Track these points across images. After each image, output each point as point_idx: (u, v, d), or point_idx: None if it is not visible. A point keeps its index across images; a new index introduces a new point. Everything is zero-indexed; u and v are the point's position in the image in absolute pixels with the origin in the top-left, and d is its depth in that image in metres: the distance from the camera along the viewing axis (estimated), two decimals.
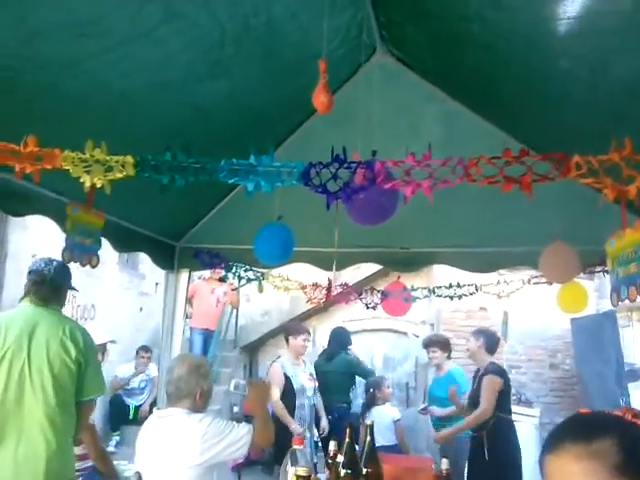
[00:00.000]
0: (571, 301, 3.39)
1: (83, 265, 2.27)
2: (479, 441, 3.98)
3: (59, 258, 2.68)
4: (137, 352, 7.07)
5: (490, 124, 2.85)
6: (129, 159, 1.95)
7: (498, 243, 3.82)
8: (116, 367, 6.92)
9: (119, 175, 1.95)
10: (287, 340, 4.89)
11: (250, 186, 1.79)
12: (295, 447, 1.99)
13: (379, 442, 4.80)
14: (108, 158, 1.97)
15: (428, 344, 5.09)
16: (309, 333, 4.98)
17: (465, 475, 4.17)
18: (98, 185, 1.96)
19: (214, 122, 2.61)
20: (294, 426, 4.48)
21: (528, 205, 3.30)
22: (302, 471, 1.31)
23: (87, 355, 2.74)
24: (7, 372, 2.52)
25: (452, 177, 1.64)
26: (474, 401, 4.10)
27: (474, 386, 4.19)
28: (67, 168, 2.00)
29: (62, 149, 2.01)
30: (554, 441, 1.00)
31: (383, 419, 5.14)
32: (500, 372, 4.10)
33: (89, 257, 2.31)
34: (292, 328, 5.00)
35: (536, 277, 4.06)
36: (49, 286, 2.77)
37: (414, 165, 1.65)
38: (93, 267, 2.32)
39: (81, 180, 1.98)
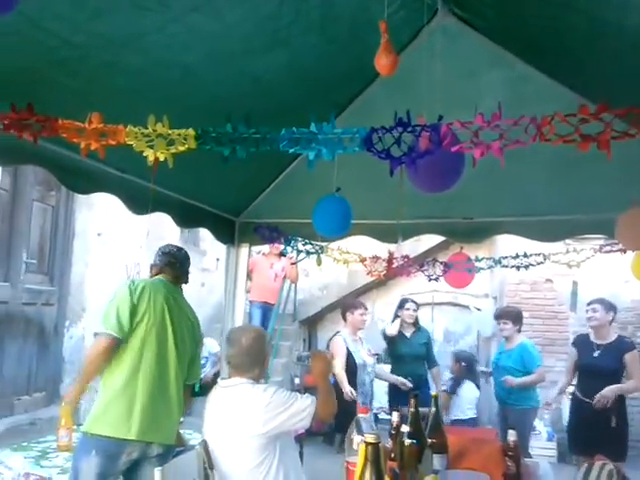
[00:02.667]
0: None
1: None
2: (603, 410, 3.99)
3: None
4: None
5: (561, 86, 2.71)
6: (190, 132, 1.95)
7: (567, 210, 3.65)
8: None
9: (181, 148, 1.96)
10: (344, 317, 4.88)
11: (311, 155, 1.76)
12: (360, 416, 1.98)
13: (459, 416, 4.79)
14: (170, 132, 1.97)
15: (500, 315, 5.05)
16: (366, 307, 4.96)
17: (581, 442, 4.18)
18: (161, 159, 1.97)
19: (274, 92, 2.59)
20: (347, 389, 4.50)
21: (599, 170, 3.18)
22: (371, 438, 1.29)
23: (200, 340, 3.10)
24: (152, 327, 2.77)
25: (524, 137, 1.56)
26: (615, 377, 4.11)
27: (600, 356, 4.15)
28: (131, 143, 2.02)
29: (125, 125, 2.03)
30: None
31: (469, 394, 5.08)
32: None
33: None
34: (349, 304, 4.99)
35: (608, 245, 3.89)
36: (180, 268, 3.11)
37: (483, 126, 1.58)
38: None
39: (144, 154, 2.00)
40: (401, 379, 4.74)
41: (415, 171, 1.78)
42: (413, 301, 5.49)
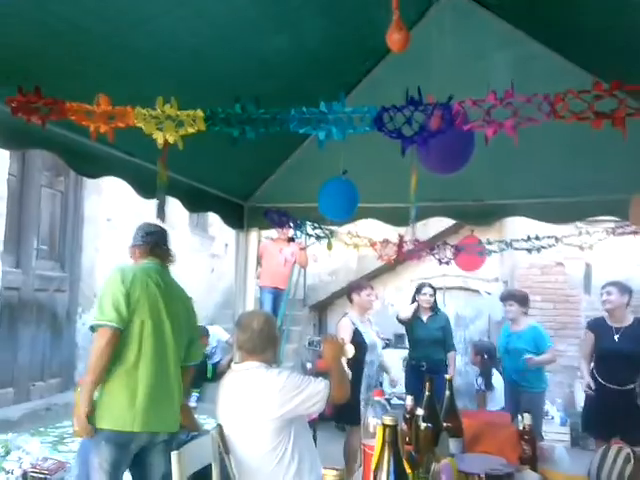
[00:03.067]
0: None
1: (162, 220, 2.36)
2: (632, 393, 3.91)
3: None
4: None
5: (574, 65, 2.66)
6: (199, 113, 1.93)
7: (579, 192, 3.61)
8: None
9: (190, 130, 1.94)
10: (350, 299, 4.85)
11: (321, 135, 1.74)
12: (376, 398, 1.98)
13: (494, 408, 4.77)
14: (179, 113, 1.96)
15: (506, 298, 5.03)
16: (372, 288, 4.93)
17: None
18: (170, 141, 1.96)
19: (282, 74, 2.57)
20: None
21: (611, 151, 3.14)
22: (389, 420, 1.28)
23: (196, 322, 3.04)
24: (148, 317, 2.69)
25: (537, 115, 1.53)
26: (635, 360, 4.00)
27: (621, 340, 4.12)
28: (139, 125, 2.01)
29: (133, 107, 2.01)
30: None
31: (499, 384, 5.05)
32: None
33: (163, 211, 2.38)
34: (354, 285, 4.95)
35: (621, 227, 3.85)
36: (166, 248, 2.97)
37: (495, 104, 1.55)
38: (163, 221, 2.43)
39: (154, 137, 1.99)
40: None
41: (426, 151, 1.75)
42: (430, 286, 5.50)
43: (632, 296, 4.19)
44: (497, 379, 4.95)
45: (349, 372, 4.43)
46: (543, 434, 5.01)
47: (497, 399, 4.86)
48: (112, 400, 2.61)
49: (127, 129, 2.02)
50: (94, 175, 3.10)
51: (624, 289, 4.19)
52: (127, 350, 2.64)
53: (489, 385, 4.83)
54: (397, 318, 5.68)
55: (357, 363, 4.48)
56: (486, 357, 4.91)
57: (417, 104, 1.63)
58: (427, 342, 5.27)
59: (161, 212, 2.31)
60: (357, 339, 4.55)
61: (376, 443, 1.55)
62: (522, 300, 4.94)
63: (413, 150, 1.97)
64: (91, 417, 2.59)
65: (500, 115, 1.64)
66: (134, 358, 2.64)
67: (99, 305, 2.67)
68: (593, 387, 4.12)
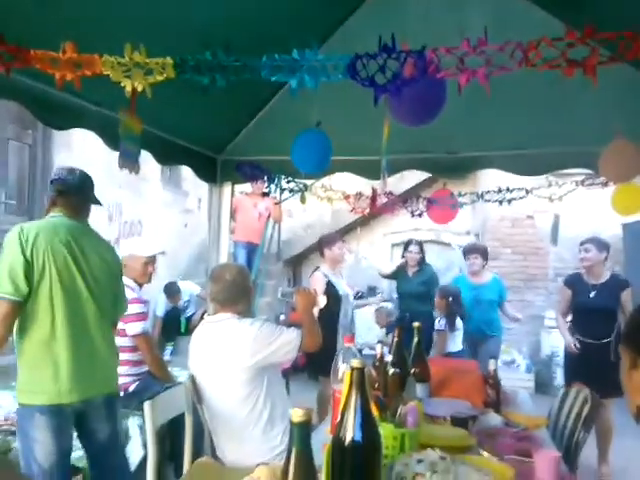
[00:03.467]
0: (627, 202, 3.25)
1: (130, 172, 2.25)
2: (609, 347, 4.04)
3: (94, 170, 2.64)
4: (167, 295, 7.03)
5: (548, 14, 2.65)
6: (169, 60, 1.89)
7: (551, 144, 3.65)
8: (163, 282, 7.06)
9: (159, 78, 1.91)
10: (322, 253, 4.88)
11: (294, 83, 1.72)
12: (346, 345, 2.02)
13: (452, 349, 4.90)
14: (148, 61, 1.91)
15: (470, 251, 5.15)
16: (343, 241, 4.98)
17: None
18: (139, 89, 1.92)
19: (254, 22, 2.51)
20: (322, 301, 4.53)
21: (582, 103, 3.16)
22: (356, 363, 1.31)
23: (119, 273, 2.74)
24: (56, 281, 2.41)
25: (509, 63, 1.53)
26: (611, 315, 4.12)
27: (597, 296, 4.18)
28: (107, 73, 1.96)
29: (101, 54, 1.96)
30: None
31: (459, 327, 5.18)
32: None
33: (133, 163, 2.27)
34: (325, 239, 4.96)
35: (590, 178, 3.92)
36: (77, 196, 2.58)
37: (469, 51, 1.54)
38: (136, 174, 2.28)
39: (122, 84, 1.94)
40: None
41: (399, 100, 1.75)
42: (417, 242, 5.63)
43: (609, 252, 4.24)
44: (459, 324, 5.11)
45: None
46: (508, 380, 5.17)
47: (455, 342, 5.02)
48: (34, 375, 2.41)
49: (95, 78, 1.97)
50: (61, 126, 3.03)
51: (602, 245, 4.22)
52: (39, 320, 2.39)
53: (452, 327, 4.97)
54: (379, 273, 5.92)
55: (332, 314, 4.55)
56: (451, 300, 5.04)
57: (390, 52, 1.62)
58: (412, 295, 5.48)
59: (127, 162, 2.17)
60: (330, 291, 4.60)
61: (344, 387, 1.60)
62: (484, 253, 5.10)
63: (385, 101, 1.96)
64: (18, 394, 2.44)
65: (474, 64, 1.63)
66: (49, 327, 2.39)
67: None
68: (578, 345, 4.23)
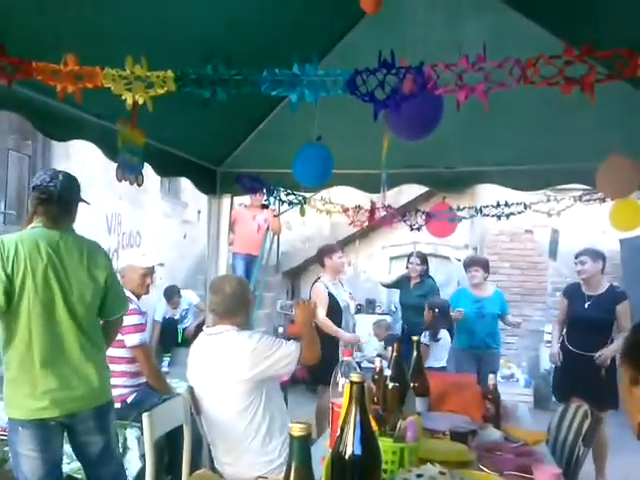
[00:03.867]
0: (625, 218, 3.27)
1: (131, 183, 2.24)
2: (598, 362, 4.03)
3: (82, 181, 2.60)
4: (167, 297, 7.08)
5: (546, 32, 2.67)
6: (170, 74, 1.90)
7: (548, 159, 3.66)
8: (161, 293, 7.06)
9: (160, 91, 1.92)
10: (322, 263, 4.91)
11: (294, 97, 1.73)
12: (345, 359, 2.02)
13: (432, 364, 4.87)
14: (149, 74, 1.93)
15: (470, 264, 5.15)
16: (343, 250, 5.02)
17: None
18: (140, 102, 1.93)
19: (255, 35, 2.52)
20: (348, 336, 4.61)
21: (580, 119, 3.18)
22: (356, 377, 1.31)
23: (109, 274, 2.62)
24: (34, 297, 2.36)
25: (508, 80, 1.54)
26: (605, 327, 4.11)
27: (591, 307, 4.16)
28: (108, 86, 1.97)
29: (102, 67, 1.97)
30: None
31: (445, 342, 5.15)
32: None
33: (136, 175, 2.26)
34: (325, 249, 5.00)
35: (587, 194, 3.93)
36: (58, 204, 2.46)
37: (467, 68, 1.56)
38: (139, 186, 2.26)
39: (123, 97, 1.95)
40: (348, 336, 4.73)
41: (398, 115, 1.76)
42: (419, 255, 5.75)
43: (606, 261, 4.24)
44: (444, 338, 5.09)
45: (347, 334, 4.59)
46: (507, 395, 5.16)
47: (437, 356, 4.99)
48: (13, 390, 2.40)
49: (96, 91, 1.98)
50: (62, 138, 3.03)
51: (597, 256, 4.21)
52: (18, 336, 2.36)
53: (434, 337, 4.97)
54: (381, 283, 6.26)
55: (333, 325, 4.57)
56: (436, 311, 5.03)
57: (390, 67, 1.63)
58: (410, 307, 5.56)
59: (123, 173, 2.14)
60: (331, 302, 4.62)
61: (343, 400, 1.59)
62: (485, 266, 5.10)
63: (384, 116, 1.98)
64: (4, 406, 2.43)
65: (472, 81, 1.65)
66: (26, 343, 2.36)
67: None
68: (561, 359, 4.21)
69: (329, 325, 4.52)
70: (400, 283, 5.83)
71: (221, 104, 1.91)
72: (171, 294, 7.05)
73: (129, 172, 2.23)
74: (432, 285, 5.67)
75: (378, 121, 2.19)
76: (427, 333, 5.00)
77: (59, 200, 2.46)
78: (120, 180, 2.18)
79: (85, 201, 2.64)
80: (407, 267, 5.75)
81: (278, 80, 1.75)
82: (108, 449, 2.59)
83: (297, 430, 1.03)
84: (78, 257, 2.50)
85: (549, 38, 2.64)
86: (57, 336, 2.42)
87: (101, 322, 2.66)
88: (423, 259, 5.66)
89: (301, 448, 1.04)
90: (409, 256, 5.81)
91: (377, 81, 1.67)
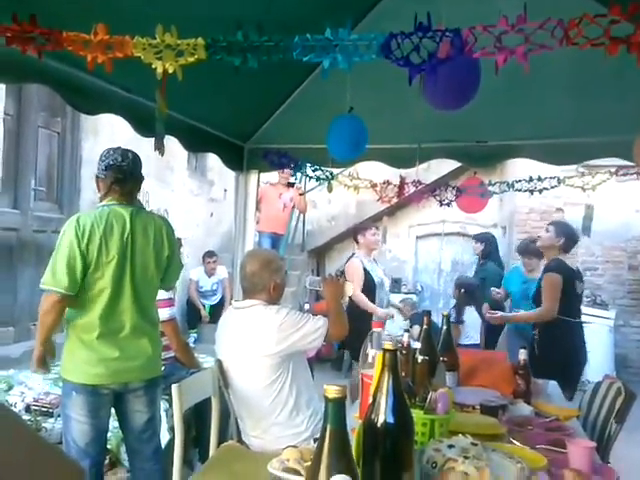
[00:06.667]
0: None
1: (160, 153, 2.23)
2: (534, 340, 3.89)
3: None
4: (203, 258, 7.29)
5: None
6: (200, 41, 1.87)
7: (583, 133, 3.57)
8: (189, 270, 7.19)
9: (190, 59, 1.89)
10: (356, 241, 4.93)
11: (326, 63, 1.69)
12: (375, 329, 2.00)
13: (463, 341, 4.85)
14: (179, 42, 1.90)
15: (524, 252, 5.07)
16: (377, 228, 5.01)
17: None
18: (170, 70, 1.90)
19: (286, 3, 2.48)
20: (381, 312, 4.61)
21: (616, 90, 3.08)
22: (389, 345, 1.29)
23: (173, 247, 2.76)
24: (106, 273, 2.50)
25: (550, 41, 1.48)
26: (536, 302, 3.93)
27: (538, 285, 3.97)
28: (138, 55, 1.95)
29: (132, 36, 1.95)
30: None
31: (471, 320, 5.11)
32: (560, 269, 3.78)
33: (163, 145, 2.25)
34: (359, 226, 5.04)
35: (624, 168, 3.81)
36: (131, 181, 2.63)
37: (507, 29, 1.50)
38: (162, 155, 2.26)
39: (153, 66, 1.93)
40: (381, 311, 4.72)
41: (434, 82, 1.71)
42: (476, 236, 5.97)
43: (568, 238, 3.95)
44: (470, 316, 5.04)
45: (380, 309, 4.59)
46: None
47: (466, 333, 4.96)
48: (72, 354, 2.51)
49: (124, 63, 1.96)
50: (91, 111, 3.04)
51: (559, 230, 3.95)
52: (84, 308, 2.49)
53: (458, 319, 4.93)
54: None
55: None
56: (462, 291, 4.98)
57: (426, 30, 1.58)
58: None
59: (159, 144, 2.16)
60: (366, 278, 4.63)
61: (375, 369, 1.58)
62: (539, 254, 4.96)
63: (420, 83, 1.93)
64: (60, 367, 2.55)
65: (511, 44, 1.59)
66: (90, 316, 2.49)
67: (52, 265, 2.45)
68: None
69: (364, 300, 4.54)
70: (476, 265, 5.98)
71: (249, 79, 1.88)
72: (210, 254, 7.25)
73: (161, 141, 2.22)
74: (493, 270, 5.62)
75: (408, 95, 2.13)
76: (454, 312, 4.98)
77: (132, 177, 2.62)
78: (155, 149, 2.18)
79: (139, 187, 2.76)
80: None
81: (310, 45, 1.71)
82: (153, 422, 2.69)
83: (332, 392, 1.01)
84: (147, 234, 2.62)
85: (590, 3, 2.55)
86: (119, 308, 2.54)
87: None
88: (482, 239, 5.67)
89: (336, 411, 1.03)
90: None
91: (412, 45, 1.62)
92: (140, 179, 2.72)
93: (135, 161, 2.67)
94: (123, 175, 2.59)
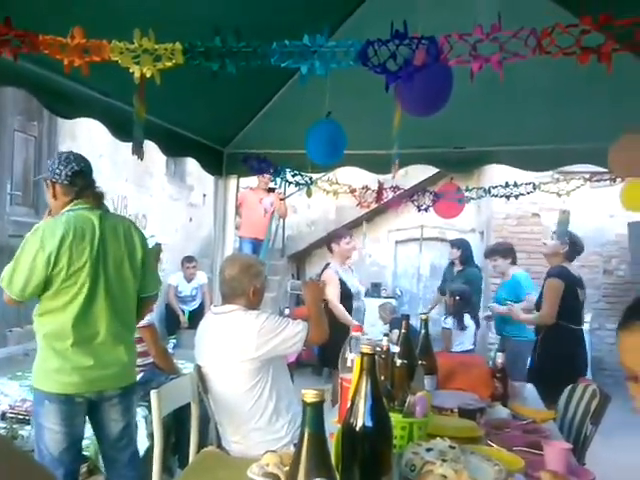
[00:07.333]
0: (637, 198, 3.22)
1: (138, 158, 2.20)
2: (535, 346, 3.93)
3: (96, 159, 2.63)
4: (182, 264, 7.24)
5: (559, 7, 2.63)
6: (178, 46, 1.87)
7: (558, 139, 3.62)
8: (169, 275, 7.15)
9: (168, 64, 1.89)
10: (330, 249, 4.90)
11: (304, 69, 1.70)
12: (354, 334, 2.01)
13: (456, 348, 4.88)
14: (157, 47, 1.90)
15: (488, 254, 5.14)
16: (351, 236, 5.00)
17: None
18: (147, 75, 1.90)
19: (264, 7, 2.48)
20: (355, 323, 4.57)
21: (591, 98, 3.14)
22: (367, 349, 1.30)
23: (145, 249, 2.69)
24: (78, 278, 2.44)
25: (523, 50, 1.51)
26: (538, 307, 3.98)
27: (541, 291, 4.01)
28: (115, 59, 1.94)
29: (109, 40, 1.94)
30: (626, 320, 1.14)
31: (467, 327, 5.15)
32: (563, 275, 3.83)
33: (142, 149, 2.23)
34: (333, 234, 5.03)
35: (598, 174, 3.88)
36: (92, 184, 2.58)
37: (482, 38, 1.53)
38: (141, 160, 2.23)
39: (130, 70, 1.93)
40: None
41: (409, 89, 1.73)
42: (453, 242, 6.03)
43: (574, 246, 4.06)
44: (467, 323, 5.10)
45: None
46: None
47: (461, 340, 5.00)
48: (44, 363, 2.46)
49: (103, 67, 1.96)
50: (69, 115, 3.00)
51: (564, 238, 4.02)
52: (54, 315, 2.43)
53: (460, 324, 4.97)
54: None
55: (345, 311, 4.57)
56: (457, 299, 5.03)
57: (402, 37, 1.61)
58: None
59: (138, 149, 2.13)
60: (343, 288, 4.62)
61: (354, 373, 1.58)
62: (505, 252, 5.01)
63: (395, 90, 1.95)
64: (32, 376, 2.50)
65: (486, 52, 1.62)
66: (61, 323, 2.42)
67: (11, 270, 2.40)
68: None
69: (341, 311, 4.52)
70: (445, 273, 6.07)
71: (228, 84, 1.89)
72: (189, 259, 7.22)
73: (139, 146, 2.20)
74: (475, 274, 5.68)
75: (386, 101, 2.15)
76: (450, 320, 5.03)
77: (92, 180, 2.59)
78: (133, 154, 2.16)
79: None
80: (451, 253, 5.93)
81: (288, 52, 1.72)
82: (128, 429, 2.64)
83: (310, 396, 1.02)
84: (118, 236, 2.57)
85: (562, 12, 2.61)
86: (93, 315, 2.48)
87: None
88: (459, 245, 5.71)
89: (314, 415, 1.03)
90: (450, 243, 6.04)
91: (389, 52, 1.64)
92: (94, 183, 2.67)
93: (89, 165, 2.65)
94: (91, 179, 2.58)
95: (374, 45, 1.63)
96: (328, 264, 4.87)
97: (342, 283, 4.65)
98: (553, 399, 2.89)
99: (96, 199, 2.58)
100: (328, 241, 4.94)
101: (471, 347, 5.05)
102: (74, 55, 1.95)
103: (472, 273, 5.65)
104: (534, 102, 3.37)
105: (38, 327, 2.49)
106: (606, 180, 3.80)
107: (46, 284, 2.40)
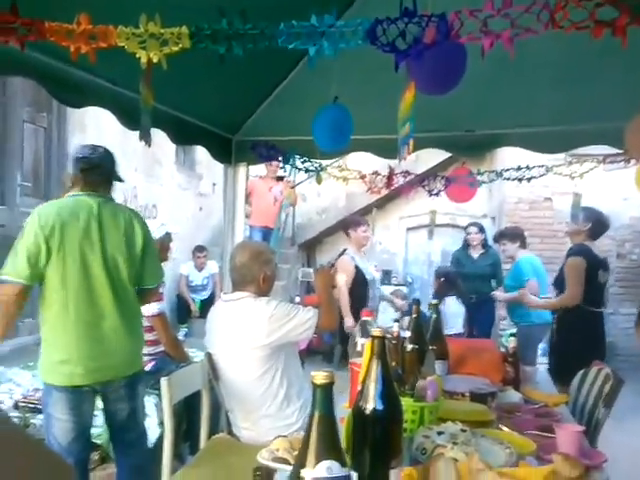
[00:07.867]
0: None
1: (148, 144, 2.19)
2: (553, 328, 3.86)
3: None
4: (193, 253, 7.26)
5: None
6: (184, 30, 1.85)
7: (571, 120, 3.56)
8: (179, 265, 7.18)
9: (175, 48, 1.87)
10: (347, 234, 4.91)
11: (312, 50, 1.68)
12: (364, 318, 2.00)
13: (448, 331, 4.83)
14: (163, 31, 1.88)
15: (497, 238, 5.10)
16: (369, 224, 5.00)
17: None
18: (155, 60, 1.88)
19: None
20: (351, 324, 4.50)
21: (604, 76, 3.08)
22: (377, 332, 1.29)
23: (147, 239, 2.67)
24: (72, 265, 2.43)
25: (536, 25, 1.48)
26: (559, 285, 3.86)
27: (560, 270, 3.90)
28: (122, 45, 1.93)
29: (115, 26, 1.93)
30: None
31: (452, 309, 5.10)
32: (583, 252, 3.69)
33: (149, 135, 2.22)
34: (351, 221, 5.01)
35: (612, 156, 3.82)
36: (98, 171, 2.59)
37: (492, 14, 1.50)
38: (149, 147, 2.22)
39: (137, 56, 1.91)
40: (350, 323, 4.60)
41: (420, 67, 1.70)
42: (475, 224, 5.80)
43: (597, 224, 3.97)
44: (450, 306, 5.04)
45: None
46: None
47: (450, 323, 4.93)
48: (50, 356, 2.45)
49: (110, 55, 1.94)
50: (77, 104, 3.01)
51: (589, 216, 3.96)
52: (54, 304, 2.43)
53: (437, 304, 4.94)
54: (436, 272, 5.91)
55: (360, 298, 4.55)
56: (442, 280, 4.97)
57: (412, 15, 1.58)
58: (477, 277, 5.46)
59: (146, 135, 2.12)
60: (358, 275, 4.61)
61: (364, 357, 1.57)
62: (513, 236, 4.97)
63: (406, 69, 1.91)
64: (39, 369, 2.51)
65: (497, 28, 1.58)
66: (63, 312, 2.42)
67: (13, 255, 2.41)
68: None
69: (345, 300, 4.49)
70: (459, 257, 5.80)
71: (236, 70, 1.87)
72: (200, 249, 7.25)
73: (147, 132, 2.19)
74: (496, 254, 5.64)
75: (397, 85, 2.12)
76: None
77: (99, 168, 2.58)
78: (141, 140, 2.15)
79: (120, 179, 2.73)
80: (466, 240, 5.78)
81: (296, 32, 1.69)
82: (134, 415, 2.65)
83: (320, 378, 1.01)
84: (116, 224, 2.55)
85: None
86: (94, 303, 2.47)
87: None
88: (481, 228, 5.67)
89: (324, 397, 1.02)
90: (466, 228, 5.86)
91: (398, 31, 1.61)
92: (110, 174, 2.67)
93: (105, 155, 2.65)
94: (88, 166, 2.56)
95: (383, 24, 1.61)
96: (345, 250, 4.87)
97: (358, 270, 4.65)
98: (569, 383, 2.85)
99: (92, 184, 2.57)
100: (345, 227, 4.95)
101: (460, 331, 4.99)
102: (81, 42, 1.94)
103: (496, 254, 5.61)
104: (545, 81, 3.31)
105: (43, 320, 2.48)
106: (620, 162, 3.74)
107: (47, 261, 2.39)
